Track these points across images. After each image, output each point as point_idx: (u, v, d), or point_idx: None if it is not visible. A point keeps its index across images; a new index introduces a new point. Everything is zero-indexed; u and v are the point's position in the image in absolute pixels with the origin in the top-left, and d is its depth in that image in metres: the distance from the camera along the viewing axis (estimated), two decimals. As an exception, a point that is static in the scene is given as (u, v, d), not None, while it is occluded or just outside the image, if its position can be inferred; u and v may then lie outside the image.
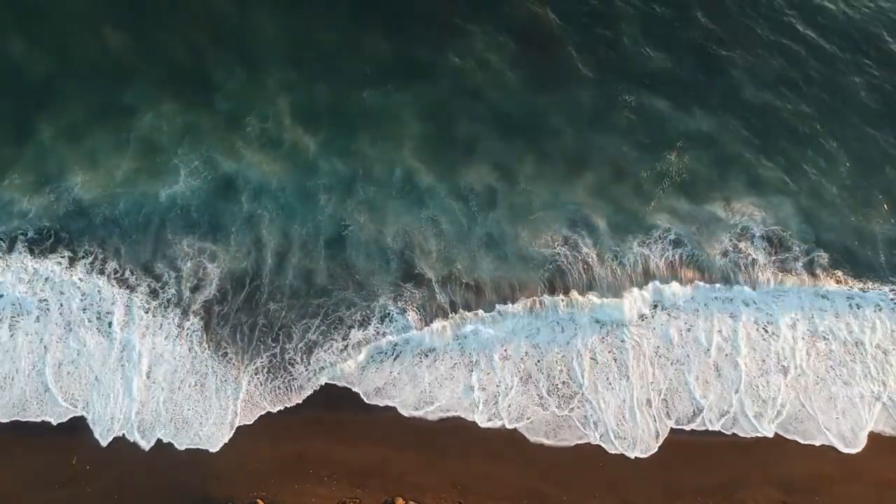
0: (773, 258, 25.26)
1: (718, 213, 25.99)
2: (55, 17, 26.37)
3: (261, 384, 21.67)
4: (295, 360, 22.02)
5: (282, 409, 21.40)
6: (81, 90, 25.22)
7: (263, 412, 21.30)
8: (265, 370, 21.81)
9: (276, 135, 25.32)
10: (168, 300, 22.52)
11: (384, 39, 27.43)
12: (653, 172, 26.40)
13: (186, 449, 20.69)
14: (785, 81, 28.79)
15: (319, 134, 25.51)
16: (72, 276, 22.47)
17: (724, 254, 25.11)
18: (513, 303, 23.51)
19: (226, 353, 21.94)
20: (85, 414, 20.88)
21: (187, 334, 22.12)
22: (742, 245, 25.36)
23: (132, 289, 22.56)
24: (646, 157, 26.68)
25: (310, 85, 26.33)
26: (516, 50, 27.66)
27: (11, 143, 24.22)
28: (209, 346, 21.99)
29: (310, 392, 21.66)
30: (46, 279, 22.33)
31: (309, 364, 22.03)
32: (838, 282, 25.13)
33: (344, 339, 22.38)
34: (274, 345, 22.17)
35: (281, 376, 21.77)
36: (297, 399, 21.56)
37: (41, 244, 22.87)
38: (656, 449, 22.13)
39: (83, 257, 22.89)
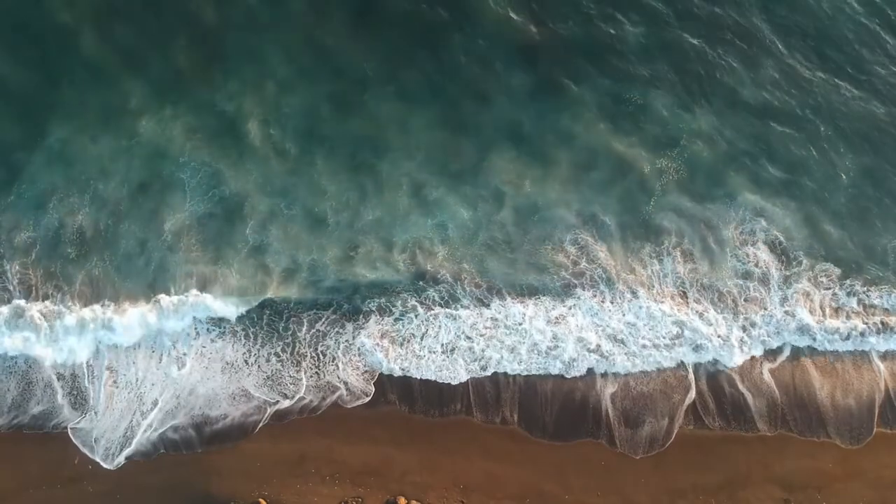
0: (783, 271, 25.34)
1: (728, 215, 25.97)
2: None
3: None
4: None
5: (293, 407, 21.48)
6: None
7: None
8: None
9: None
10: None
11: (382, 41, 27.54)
12: (657, 171, 26.38)
13: (188, 449, 20.68)
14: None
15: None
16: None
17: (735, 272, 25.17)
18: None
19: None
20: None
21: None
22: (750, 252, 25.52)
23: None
24: (653, 156, 26.59)
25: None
26: (518, 50, 27.82)
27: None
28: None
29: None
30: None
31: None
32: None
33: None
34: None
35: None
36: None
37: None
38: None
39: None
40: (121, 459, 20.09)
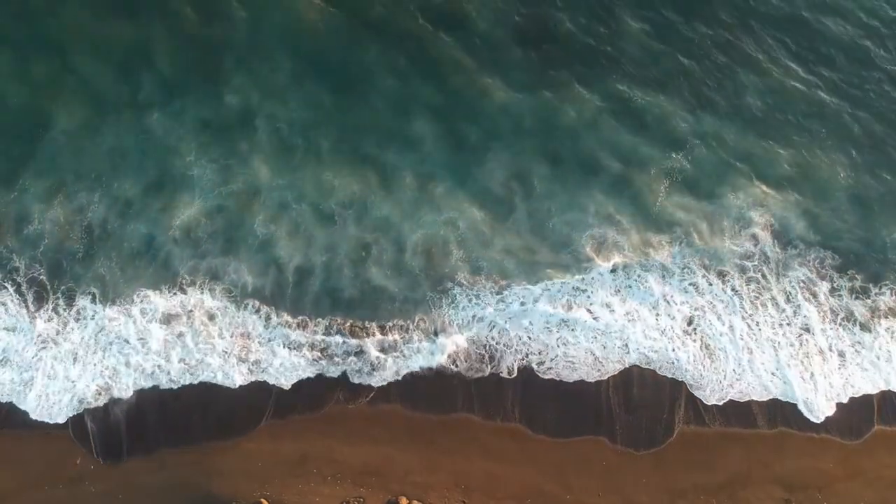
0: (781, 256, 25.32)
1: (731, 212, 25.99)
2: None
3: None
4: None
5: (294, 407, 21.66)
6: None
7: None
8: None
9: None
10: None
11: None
12: (663, 171, 26.42)
13: (190, 448, 20.63)
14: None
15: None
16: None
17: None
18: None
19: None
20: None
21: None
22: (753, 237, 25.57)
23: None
24: (657, 156, 26.66)
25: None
26: (520, 51, 27.63)
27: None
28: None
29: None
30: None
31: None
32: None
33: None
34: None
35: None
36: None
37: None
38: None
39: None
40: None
